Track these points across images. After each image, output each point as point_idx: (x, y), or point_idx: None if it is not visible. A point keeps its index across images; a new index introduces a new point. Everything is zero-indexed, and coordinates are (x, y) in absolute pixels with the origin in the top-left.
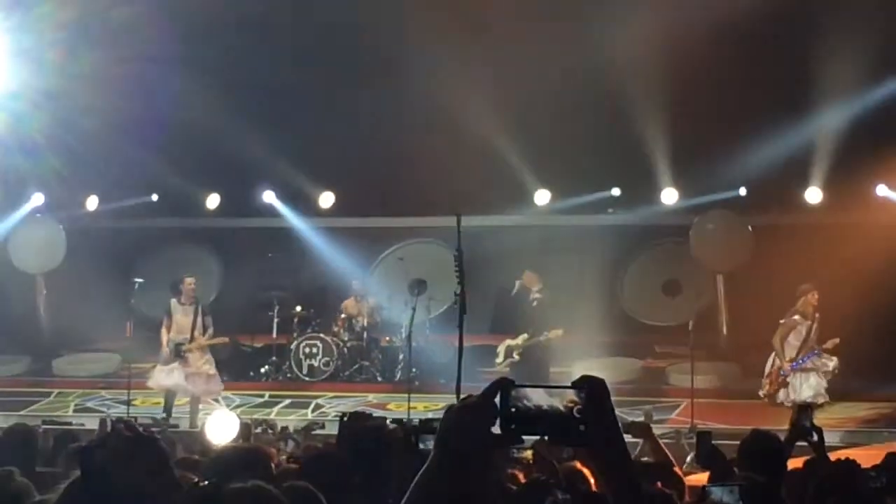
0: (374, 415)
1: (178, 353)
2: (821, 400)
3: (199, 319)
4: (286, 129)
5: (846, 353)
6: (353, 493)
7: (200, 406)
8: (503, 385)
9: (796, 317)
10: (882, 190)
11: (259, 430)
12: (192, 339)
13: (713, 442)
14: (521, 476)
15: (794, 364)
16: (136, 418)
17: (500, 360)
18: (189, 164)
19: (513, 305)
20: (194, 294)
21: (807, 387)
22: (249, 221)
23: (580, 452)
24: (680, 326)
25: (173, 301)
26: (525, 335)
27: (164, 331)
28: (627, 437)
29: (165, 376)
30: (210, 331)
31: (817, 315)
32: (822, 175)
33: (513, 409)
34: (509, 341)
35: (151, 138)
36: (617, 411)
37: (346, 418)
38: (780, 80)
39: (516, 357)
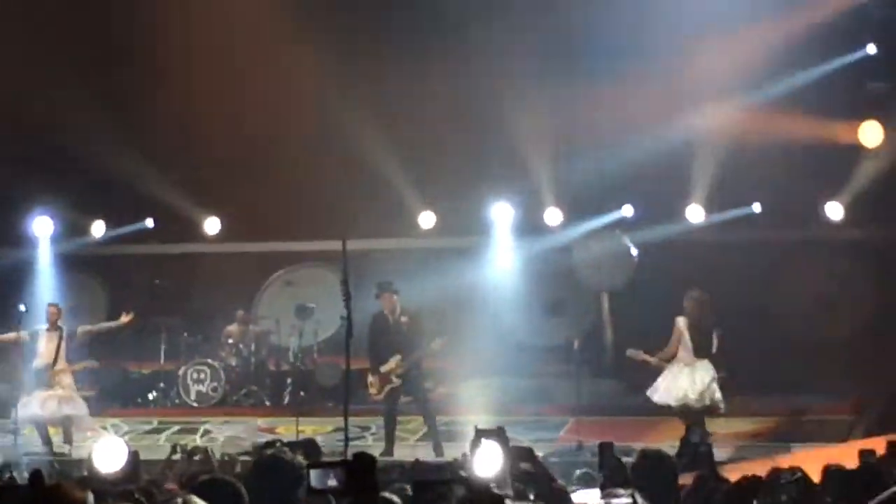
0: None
1: (42, 381)
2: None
3: (63, 345)
4: (171, 154)
5: (730, 368)
6: None
7: (89, 434)
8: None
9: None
10: (757, 207)
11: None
12: (54, 364)
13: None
14: None
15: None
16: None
17: (374, 391)
18: (73, 192)
19: (381, 331)
20: (57, 321)
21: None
22: (136, 248)
23: None
24: (565, 345)
25: (41, 327)
26: (398, 357)
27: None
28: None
29: (22, 409)
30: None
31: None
32: (704, 192)
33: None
34: (381, 368)
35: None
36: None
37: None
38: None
39: (396, 381)
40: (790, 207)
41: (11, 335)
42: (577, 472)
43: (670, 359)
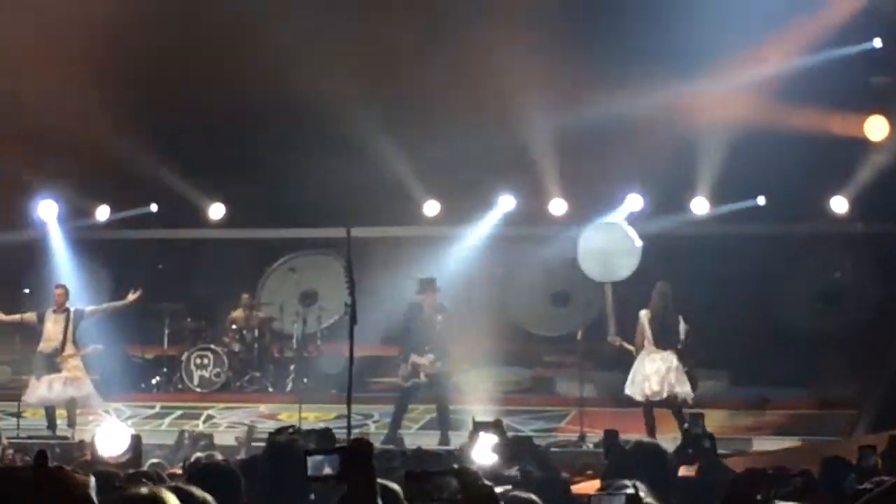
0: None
1: (51, 365)
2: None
3: (71, 327)
4: (175, 139)
5: (733, 362)
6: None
7: (91, 418)
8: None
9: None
10: (761, 200)
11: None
12: (63, 348)
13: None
14: None
15: None
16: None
17: (404, 375)
18: (78, 176)
19: (417, 324)
20: (65, 302)
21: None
22: (139, 233)
23: None
24: (568, 335)
25: (48, 309)
26: (431, 357)
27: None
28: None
29: (30, 392)
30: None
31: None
32: (709, 184)
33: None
34: (416, 358)
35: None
36: (507, 421)
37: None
38: None
39: (423, 379)
40: (795, 201)
41: (16, 317)
42: (580, 462)
43: (639, 350)
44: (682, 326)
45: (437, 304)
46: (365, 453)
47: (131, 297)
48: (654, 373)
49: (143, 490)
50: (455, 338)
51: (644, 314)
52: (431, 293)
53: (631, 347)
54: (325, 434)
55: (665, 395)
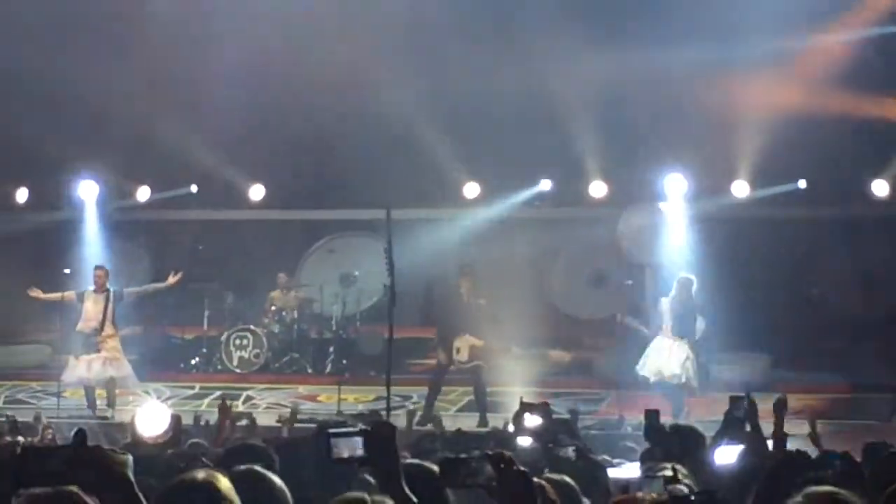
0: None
1: (90, 345)
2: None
3: (110, 308)
4: (215, 120)
5: (772, 346)
6: None
7: (130, 398)
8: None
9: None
10: (802, 184)
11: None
12: (101, 328)
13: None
14: None
15: None
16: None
17: (463, 357)
18: (118, 156)
19: (457, 307)
20: (104, 284)
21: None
22: (179, 214)
23: None
24: (608, 318)
25: (88, 289)
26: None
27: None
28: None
29: (69, 372)
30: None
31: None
32: (750, 167)
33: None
34: (474, 340)
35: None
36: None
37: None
38: None
39: (479, 362)
40: (836, 184)
41: (57, 295)
42: (619, 444)
43: (654, 334)
44: (700, 321)
45: (476, 289)
46: (388, 435)
47: (172, 279)
48: (676, 358)
49: (199, 475)
50: (496, 321)
51: (665, 301)
52: (469, 278)
53: (644, 328)
54: (374, 417)
55: (683, 379)
